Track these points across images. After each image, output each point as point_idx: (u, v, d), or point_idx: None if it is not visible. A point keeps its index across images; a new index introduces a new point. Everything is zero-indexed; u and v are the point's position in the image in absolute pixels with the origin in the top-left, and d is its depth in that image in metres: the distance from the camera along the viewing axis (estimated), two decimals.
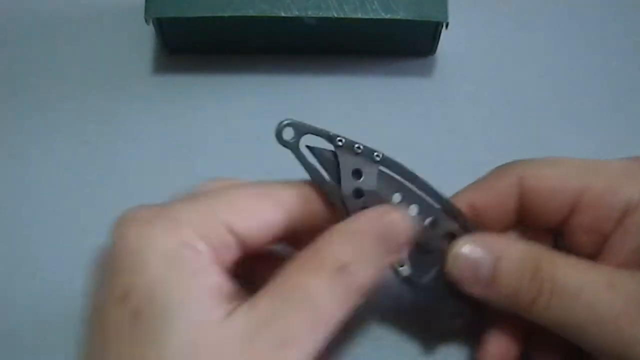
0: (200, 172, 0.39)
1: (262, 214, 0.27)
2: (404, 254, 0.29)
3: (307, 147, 0.29)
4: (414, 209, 0.30)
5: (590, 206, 0.29)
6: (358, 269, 0.25)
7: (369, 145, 0.29)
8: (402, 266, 0.30)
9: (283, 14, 0.38)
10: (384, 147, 0.40)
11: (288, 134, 0.28)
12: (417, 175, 0.30)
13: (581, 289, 0.26)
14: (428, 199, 0.30)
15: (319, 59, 0.43)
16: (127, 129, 0.41)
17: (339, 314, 0.24)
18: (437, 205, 0.30)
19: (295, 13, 0.38)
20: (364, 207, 0.29)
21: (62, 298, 0.36)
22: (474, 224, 0.30)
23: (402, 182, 0.30)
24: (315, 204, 0.28)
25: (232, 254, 0.26)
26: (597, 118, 0.41)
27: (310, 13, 0.38)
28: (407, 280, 0.30)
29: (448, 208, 0.30)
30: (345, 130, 0.41)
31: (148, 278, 0.22)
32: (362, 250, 0.26)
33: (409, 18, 0.38)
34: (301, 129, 0.28)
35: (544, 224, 0.30)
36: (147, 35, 0.43)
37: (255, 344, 0.22)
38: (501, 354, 0.30)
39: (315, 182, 0.29)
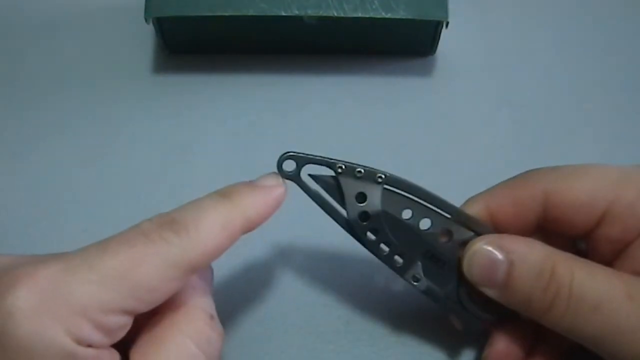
0: (200, 171, 0.39)
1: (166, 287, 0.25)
2: (418, 271, 0.29)
3: (310, 175, 0.29)
4: (426, 222, 0.30)
5: (619, 217, 0.28)
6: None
7: (370, 165, 0.29)
8: (417, 281, 0.30)
9: (283, 13, 0.38)
10: (383, 146, 0.40)
11: (289, 166, 0.29)
12: (424, 189, 0.30)
13: (599, 299, 0.26)
14: (439, 210, 0.30)
15: (319, 59, 0.43)
16: (127, 128, 0.41)
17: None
18: (448, 216, 0.30)
19: (295, 12, 0.38)
20: (372, 229, 0.29)
21: None
22: (489, 228, 0.30)
23: (410, 198, 0.29)
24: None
25: (129, 325, 0.24)
26: (598, 117, 0.41)
27: (310, 12, 0.38)
28: (427, 293, 0.30)
29: (460, 217, 0.30)
30: (345, 130, 0.41)
31: None
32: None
33: (409, 17, 0.38)
34: (302, 160, 0.29)
35: (567, 233, 0.30)
36: (147, 34, 0.43)
37: None
38: (508, 354, 0.30)
39: (322, 209, 0.29)
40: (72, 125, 0.41)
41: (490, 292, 0.28)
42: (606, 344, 0.26)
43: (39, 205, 0.38)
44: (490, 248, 0.28)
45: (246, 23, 0.40)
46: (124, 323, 0.24)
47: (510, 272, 0.27)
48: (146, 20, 0.38)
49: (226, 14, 0.38)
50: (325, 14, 0.38)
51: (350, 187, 0.29)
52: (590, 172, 0.29)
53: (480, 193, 0.31)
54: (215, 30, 0.42)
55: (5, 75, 0.43)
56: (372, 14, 0.38)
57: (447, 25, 0.39)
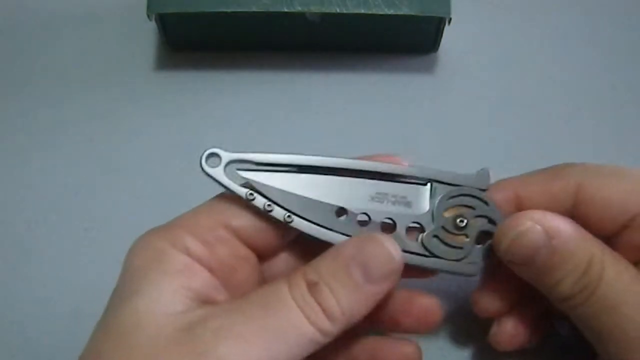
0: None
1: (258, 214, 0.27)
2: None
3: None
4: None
5: None
6: (328, 289, 0.25)
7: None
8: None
9: (286, 10, 0.38)
10: (386, 143, 0.40)
11: (214, 162, 0.28)
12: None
13: (618, 301, 0.26)
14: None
15: (322, 56, 0.43)
16: (129, 125, 0.41)
17: (301, 325, 0.24)
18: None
19: (298, 9, 0.38)
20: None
21: (64, 292, 0.36)
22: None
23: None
24: None
25: (230, 247, 0.27)
26: (598, 116, 0.41)
27: (312, 9, 0.38)
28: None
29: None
30: (348, 127, 0.41)
31: (133, 270, 0.26)
32: (334, 272, 0.25)
33: (412, 14, 0.38)
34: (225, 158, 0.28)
35: (591, 232, 0.28)
36: (149, 31, 0.43)
37: (193, 330, 0.23)
38: (516, 335, 0.30)
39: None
40: (74, 122, 0.41)
41: (524, 273, 0.28)
42: (610, 346, 0.26)
43: (39, 203, 0.39)
44: (539, 229, 0.27)
45: (248, 20, 0.40)
46: (225, 236, 0.27)
47: (551, 258, 0.27)
48: (148, 16, 0.38)
49: (229, 10, 0.38)
50: (327, 11, 0.38)
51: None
52: (628, 174, 0.28)
53: (510, 178, 0.30)
54: (217, 27, 0.42)
55: (8, 72, 0.43)
56: (374, 11, 0.38)
57: (449, 22, 0.39)
